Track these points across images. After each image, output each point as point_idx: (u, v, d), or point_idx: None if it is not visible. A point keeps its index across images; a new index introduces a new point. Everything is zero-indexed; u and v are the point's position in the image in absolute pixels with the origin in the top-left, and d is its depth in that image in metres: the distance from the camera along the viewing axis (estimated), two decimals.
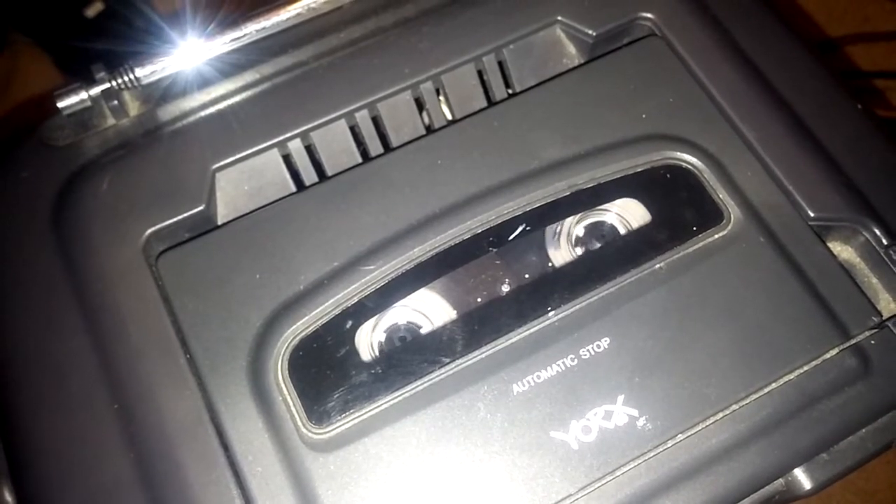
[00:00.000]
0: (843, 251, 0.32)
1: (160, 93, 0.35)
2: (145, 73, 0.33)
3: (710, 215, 0.32)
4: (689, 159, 0.33)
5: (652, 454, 0.28)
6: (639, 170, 0.33)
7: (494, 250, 0.32)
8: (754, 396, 0.29)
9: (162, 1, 0.59)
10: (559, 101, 0.34)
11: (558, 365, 0.29)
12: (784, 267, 0.31)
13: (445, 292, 0.32)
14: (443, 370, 0.29)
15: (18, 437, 0.29)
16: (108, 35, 0.55)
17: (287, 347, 0.29)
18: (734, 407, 0.28)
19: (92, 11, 0.57)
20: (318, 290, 0.30)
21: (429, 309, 0.31)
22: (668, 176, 0.33)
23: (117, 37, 0.54)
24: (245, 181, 0.33)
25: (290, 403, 0.29)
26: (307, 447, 0.28)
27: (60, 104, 0.33)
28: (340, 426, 0.28)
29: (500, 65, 0.36)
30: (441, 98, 0.35)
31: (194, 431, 0.28)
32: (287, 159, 0.34)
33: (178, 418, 0.28)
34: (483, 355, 0.29)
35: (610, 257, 0.31)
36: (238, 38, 0.34)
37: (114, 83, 0.33)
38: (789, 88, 0.34)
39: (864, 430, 0.29)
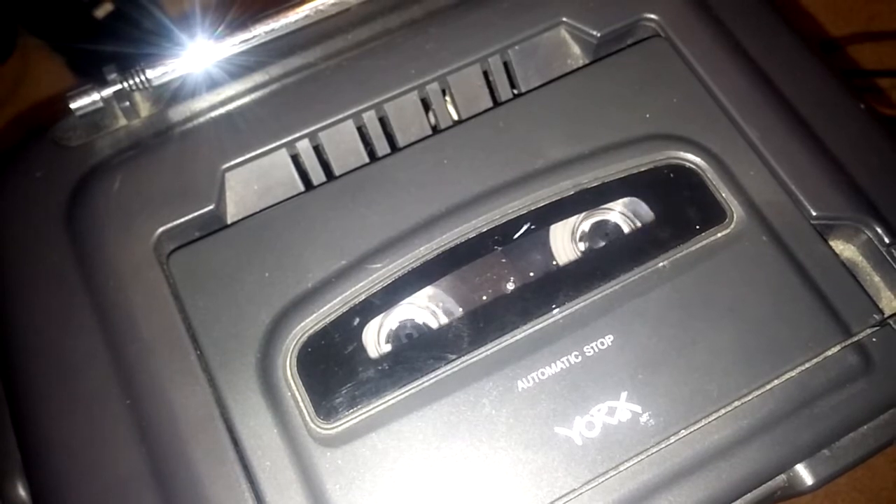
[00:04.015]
0: (846, 250, 0.32)
1: (170, 94, 0.35)
2: (156, 74, 0.34)
3: (714, 214, 0.32)
4: (692, 159, 0.33)
5: (655, 450, 0.28)
6: (643, 169, 0.33)
7: (500, 249, 0.32)
8: (756, 393, 0.29)
9: (171, 3, 0.59)
10: (564, 102, 0.34)
11: (562, 362, 0.29)
12: (786, 265, 0.31)
13: (451, 290, 0.32)
14: (449, 367, 0.30)
15: (31, 433, 0.29)
16: (117, 36, 0.56)
17: (296, 344, 0.30)
18: (736, 403, 0.29)
19: (101, 12, 0.58)
20: (326, 288, 0.30)
21: (435, 306, 0.32)
22: (672, 175, 0.33)
23: (127, 38, 0.54)
24: (254, 181, 0.34)
25: (299, 399, 0.29)
26: (315, 442, 0.28)
27: (73, 105, 0.33)
28: (348, 422, 0.29)
29: (506, 65, 0.36)
30: (447, 98, 0.36)
31: (204, 427, 0.28)
32: (295, 159, 0.34)
33: (188, 414, 0.28)
34: (488, 352, 0.30)
35: (614, 256, 0.32)
36: (247, 40, 0.35)
37: (125, 84, 0.34)
38: (792, 88, 0.35)
39: (865, 427, 0.30)
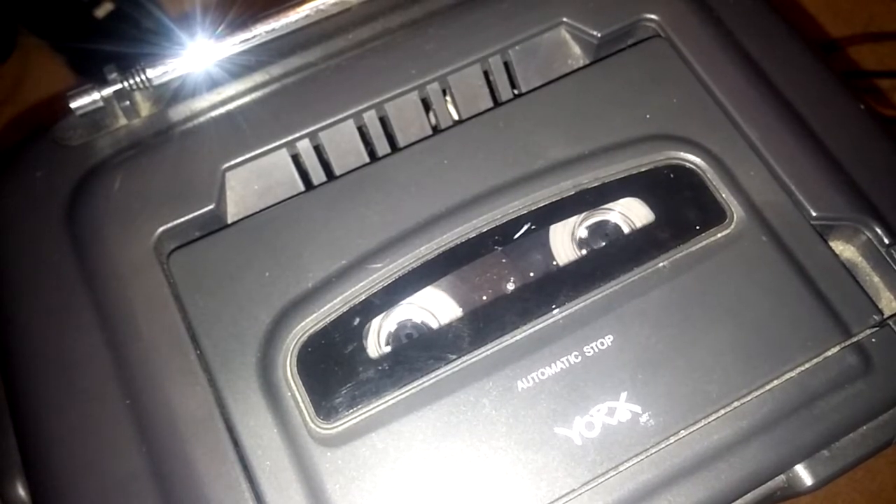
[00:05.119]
0: (845, 250, 0.32)
1: (171, 93, 0.35)
2: (157, 73, 0.34)
3: (713, 214, 0.32)
4: (692, 159, 0.33)
5: (654, 450, 0.28)
6: (643, 169, 0.33)
7: (500, 249, 0.32)
8: (756, 393, 0.29)
9: (171, 3, 0.59)
10: (564, 102, 0.34)
11: (562, 362, 0.29)
12: (786, 266, 0.31)
13: (451, 290, 0.32)
14: (449, 367, 0.30)
15: (32, 432, 0.29)
16: (118, 36, 0.56)
17: (296, 344, 0.30)
18: (736, 404, 0.29)
19: (102, 12, 0.58)
20: (327, 288, 0.30)
21: (435, 306, 0.32)
22: (672, 175, 0.33)
23: (127, 38, 0.54)
24: (254, 181, 0.34)
25: (299, 399, 0.29)
26: (315, 442, 0.28)
27: (73, 105, 0.33)
28: (348, 422, 0.29)
29: (506, 65, 0.36)
30: (447, 98, 0.36)
31: (205, 426, 0.28)
32: (296, 159, 0.34)
33: (188, 413, 0.28)
34: (488, 352, 0.30)
35: (614, 256, 0.32)
36: (247, 40, 0.35)
37: (126, 84, 0.34)
38: (792, 89, 0.35)
39: (864, 428, 0.30)
